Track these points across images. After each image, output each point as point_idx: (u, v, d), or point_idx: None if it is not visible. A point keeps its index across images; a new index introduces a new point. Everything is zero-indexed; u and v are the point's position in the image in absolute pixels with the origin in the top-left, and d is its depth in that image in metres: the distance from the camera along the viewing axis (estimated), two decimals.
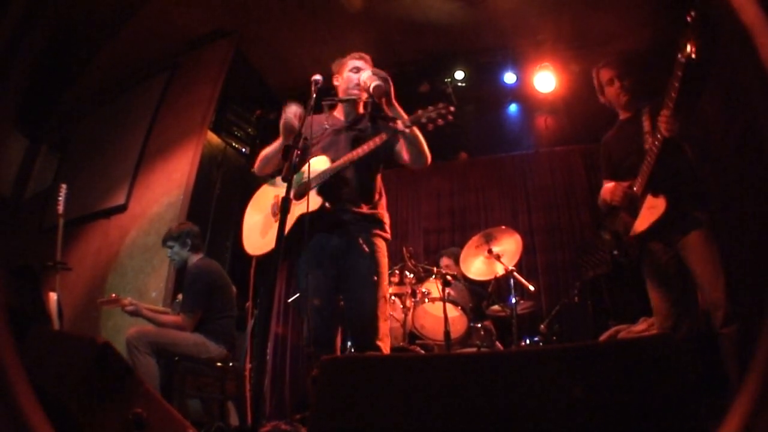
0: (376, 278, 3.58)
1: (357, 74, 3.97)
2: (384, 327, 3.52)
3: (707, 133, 4.14)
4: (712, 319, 3.57)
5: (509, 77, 8.57)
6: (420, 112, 3.53)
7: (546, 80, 8.28)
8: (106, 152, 8.04)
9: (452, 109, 3.45)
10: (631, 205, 3.94)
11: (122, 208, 7.29)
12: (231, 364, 5.38)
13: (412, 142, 3.73)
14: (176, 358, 4.97)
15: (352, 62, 4.09)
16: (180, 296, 5.73)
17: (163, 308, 5.78)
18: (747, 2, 1.32)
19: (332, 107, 4.06)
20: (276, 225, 3.63)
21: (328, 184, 3.58)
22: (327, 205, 3.52)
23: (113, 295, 5.37)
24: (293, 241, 3.42)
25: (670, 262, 3.82)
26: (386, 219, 3.88)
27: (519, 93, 8.93)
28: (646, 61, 6.23)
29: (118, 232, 7.18)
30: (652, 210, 3.78)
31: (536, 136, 9.31)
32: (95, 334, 5.88)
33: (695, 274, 3.66)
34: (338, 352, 3.71)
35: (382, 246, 3.75)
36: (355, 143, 3.74)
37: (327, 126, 3.92)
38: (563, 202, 8.96)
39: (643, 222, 3.84)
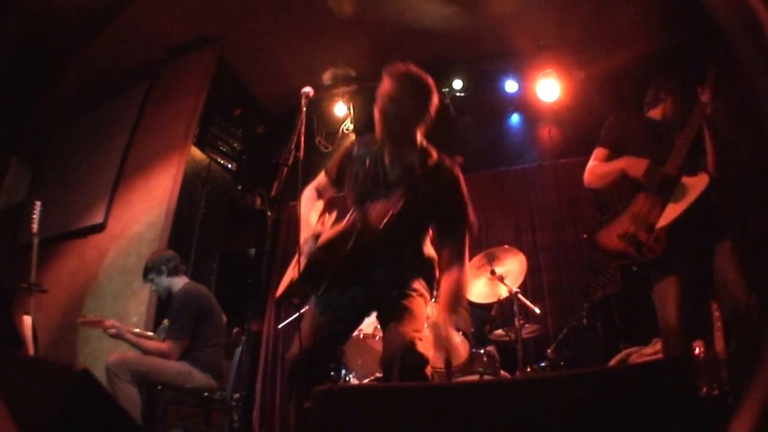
0: (411, 302, 3.53)
1: None
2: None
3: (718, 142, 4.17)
4: (740, 322, 3.59)
5: (510, 86, 8.61)
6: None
7: (549, 88, 8.31)
8: (83, 167, 8.02)
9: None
10: (661, 188, 3.87)
11: (100, 228, 7.29)
12: (217, 394, 5.36)
13: None
14: (159, 387, 4.96)
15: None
16: (165, 321, 5.72)
17: (148, 333, 5.76)
18: None
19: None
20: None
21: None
22: None
23: (93, 316, 5.39)
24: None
25: (700, 270, 3.80)
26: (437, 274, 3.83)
27: (521, 102, 8.97)
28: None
29: (95, 252, 7.17)
30: (689, 190, 3.77)
31: (540, 148, 9.31)
32: (72, 360, 5.94)
33: (728, 281, 3.68)
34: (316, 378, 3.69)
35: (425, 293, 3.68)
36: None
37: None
38: (569, 218, 8.94)
39: (678, 206, 3.78)
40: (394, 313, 3.47)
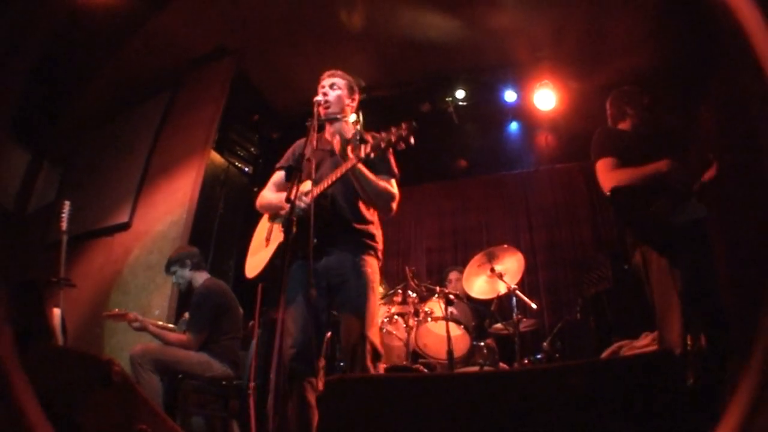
0: (365, 297, 3.59)
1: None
2: (374, 343, 3.52)
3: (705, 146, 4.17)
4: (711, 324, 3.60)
5: (509, 95, 8.62)
6: (379, 138, 3.40)
7: (546, 98, 8.31)
8: (109, 169, 8.07)
9: (414, 125, 3.30)
10: (680, 191, 3.85)
11: (125, 226, 7.31)
12: (234, 383, 5.38)
13: (358, 180, 3.64)
14: (180, 376, 4.99)
15: (324, 81, 4.14)
16: (186, 315, 5.75)
17: (170, 325, 5.79)
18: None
19: (322, 128, 4.03)
20: (265, 250, 3.85)
21: (316, 205, 3.52)
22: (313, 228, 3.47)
23: (118, 309, 5.43)
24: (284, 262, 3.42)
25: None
26: (378, 236, 3.89)
27: (519, 111, 8.97)
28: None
29: (121, 249, 7.20)
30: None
31: (537, 154, 9.34)
32: (99, 351, 5.94)
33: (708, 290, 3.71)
34: (320, 370, 3.70)
35: (373, 263, 3.76)
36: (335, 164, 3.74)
37: (318, 148, 3.89)
38: (565, 219, 8.98)
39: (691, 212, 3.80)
40: (349, 304, 3.60)
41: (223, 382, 5.30)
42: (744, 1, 1.29)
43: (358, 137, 3.57)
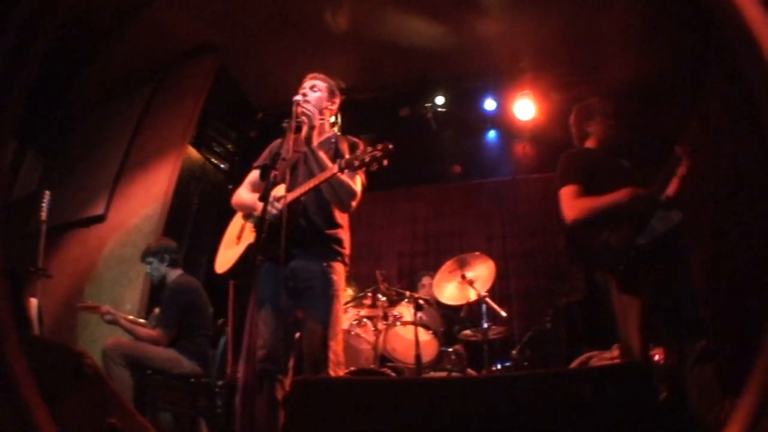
0: (330, 305, 3.65)
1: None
2: (336, 351, 3.58)
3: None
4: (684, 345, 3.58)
5: (489, 104, 8.65)
6: (353, 156, 3.44)
7: (526, 108, 8.36)
8: (90, 160, 8.02)
9: (390, 148, 3.32)
10: (641, 215, 3.78)
11: (101, 218, 7.28)
12: (203, 380, 5.40)
13: (335, 187, 3.74)
14: (149, 372, 5.01)
15: (305, 83, 4.19)
16: (157, 310, 5.78)
17: (141, 320, 5.78)
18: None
19: (299, 129, 4.03)
20: (236, 247, 3.89)
21: (288, 210, 3.56)
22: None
23: (91, 302, 5.50)
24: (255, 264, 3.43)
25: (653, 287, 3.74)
26: (346, 241, 3.94)
27: (499, 120, 9.02)
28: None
29: (96, 242, 7.17)
30: (662, 221, 3.71)
31: (514, 163, 9.37)
32: (72, 342, 5.92)
33: (678, 302, 3.68)
34: (290, 370, 3.76)
35: (339, 270, 3.81)
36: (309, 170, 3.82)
37: (294, 149, 3.91)
38: (538, 229, 9.01)
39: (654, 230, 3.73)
40: (314, 310, 3.66)
41: (192, 380, 5.31)
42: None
43: (333, 143, 3.65)
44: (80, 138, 8.55)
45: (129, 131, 7.80)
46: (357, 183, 3.87)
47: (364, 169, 3.45)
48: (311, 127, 3.90)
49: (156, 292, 6.09)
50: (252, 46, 8.11)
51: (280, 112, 7.25)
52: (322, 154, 3.75)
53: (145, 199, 7.10)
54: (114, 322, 5.25)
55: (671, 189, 3.75)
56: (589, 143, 4.34)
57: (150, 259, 5.71)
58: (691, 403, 3.41)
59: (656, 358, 4.61)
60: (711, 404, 3.23)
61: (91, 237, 7.27)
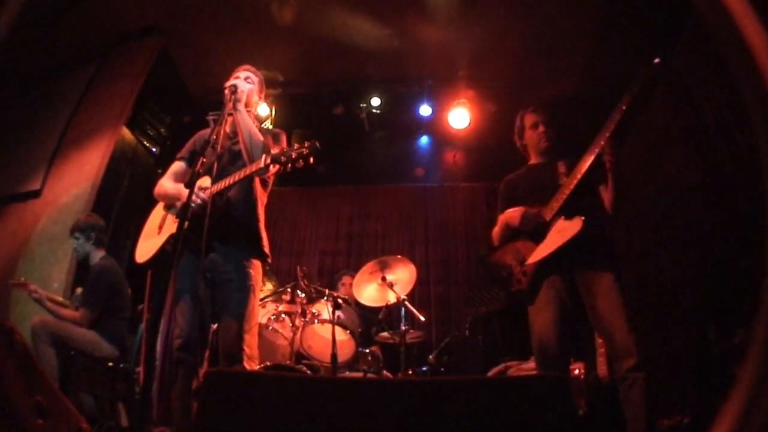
0: (246, 300, 3.64)
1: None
2: (250, 344, 3.58)
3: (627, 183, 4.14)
4: (616, 364, 3.51)
5: (425, 110, 8.66)
6: (280, 152, 3.47)
7: (461, 117, 8.40)
8: (30, 136, 7.85)
9: (318, 147, 3.41)
10: (536, 231, 3.83)
11: (37, 194, 7.13)
12: (121, 365, 5.46)
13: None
14: (72, 353, 5.07)
15: (239, 73, 4.18)
16: (79, 290, 5.82)
17: (65, 301, 5.76)
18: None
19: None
20: (157, 237, 3.88)
21: (212, 202, 3.52)
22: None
23: (23, 279, 5.47)
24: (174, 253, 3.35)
25: (570, 300, 3.73)
26: (265, 237, 3.93)
27: (432, 126, 9.06)
28: (569, 112, 6.40)
29: (32, 217, 7.02)
30: (561, 233, 3.67)
31: (444, 170, 9.45)
32: (4, 318, 5.80)
33: (604, 319, 3.55)
34: (204, 361, 3.80)
35: (258, 266, 3.81)
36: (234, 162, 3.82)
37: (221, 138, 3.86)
38: (462, 237, 9.10)
39: (548, 246, 3.72)
40: (230, 304, 3.64)
41: (110, 364, 5.36)
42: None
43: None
44: (24, 113, 8.31)
45: (70, 108, 7.65)
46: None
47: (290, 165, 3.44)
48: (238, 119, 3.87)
49: (81, 272, 6.05)
50: (195, 32, 7.98)
51: (214, 100, 7.17)
52: (248, 147, 3.72)
53: (77, 178, 6.98)
54: (39, 301, 5.26)
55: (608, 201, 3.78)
56: (531, 157, 4.38)
57: (78, 235, 5.75)
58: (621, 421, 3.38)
59: (576, 372, 4.65)
60: (639, 424, 3.23)
61: (27, 212, 7.12)
